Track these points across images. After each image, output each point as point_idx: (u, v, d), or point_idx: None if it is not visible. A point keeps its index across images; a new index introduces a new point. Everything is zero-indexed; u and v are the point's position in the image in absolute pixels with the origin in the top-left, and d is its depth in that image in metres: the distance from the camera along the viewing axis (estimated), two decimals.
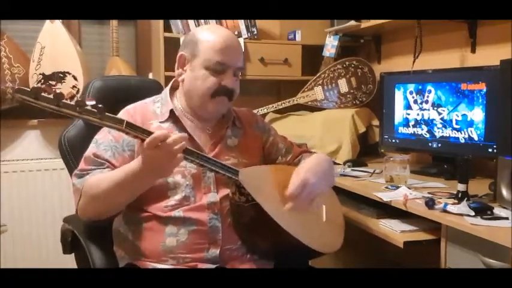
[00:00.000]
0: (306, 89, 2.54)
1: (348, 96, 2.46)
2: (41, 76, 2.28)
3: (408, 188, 1.63)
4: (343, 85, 2.46)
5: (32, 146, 2.48)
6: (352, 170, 2.05)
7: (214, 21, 2.42)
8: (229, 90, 1.33)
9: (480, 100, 1.77)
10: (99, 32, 2.65)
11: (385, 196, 1.56)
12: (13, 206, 2.39)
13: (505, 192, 1.36)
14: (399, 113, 2.13)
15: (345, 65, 2.47)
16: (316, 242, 1.27)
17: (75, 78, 2.30)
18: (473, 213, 1.29)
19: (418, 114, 2.04)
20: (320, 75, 2.52)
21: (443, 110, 1.92)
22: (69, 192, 1.31)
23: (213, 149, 1.35)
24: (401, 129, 2.12)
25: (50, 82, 2.29)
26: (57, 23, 2.32)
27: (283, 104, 2.53)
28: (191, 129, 1.34)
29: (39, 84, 2.27)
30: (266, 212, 1.21)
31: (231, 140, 1.40)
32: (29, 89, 1.02)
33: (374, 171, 1.97)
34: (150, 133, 1.10)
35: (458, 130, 1.86)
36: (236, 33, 2.47)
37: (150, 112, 1.36)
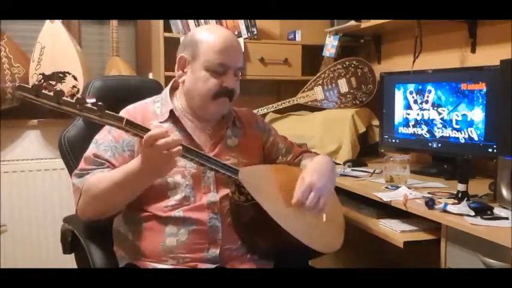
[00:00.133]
0: (306, 89, 2.54)
1: (348, 96, 2.46)
2: (41, 76, 2.28)
3: (408, 188, 1.63)
4: (343, 85, 2.46)
5: (32, 146, 2.48)
6: (352, 170, 2.05)
7: (214, 21, 2.42)
8: (230, 91, 1.33)
9: (480, 100, 1.77)
10: (99, 32, 2.65)
11: (385, 196, 1.56)
12: (13, 206, 2.39)
13: (505, 192, 1.36)
14: (399, 113, 2.13)
15: (345, 65, 2.47)
16: (316, 242, 1.27)
17: (75, 78, 2.30)
18: (473, 213, 1.29)
19: (418, 114, 2.04)
20: (320, 75, 2.52)
21: (443, 110, 1.92)
22: (69, 192, 1.31)
23: (213, 149, 1.35)
24: (401, 129, 2.12)
25: (50, 82, 2.29)
26: (57, 23, 2.32)
27: (283, 104, 2.53)
28: (191, 129, 1.34)
29: None
30: (266, 212, 1.21)
31: (231, 140, 1.40)
32: (29, 86, 1.02)
33: (374, 171, 1.97)
34: (149, 131, 1.10)
35: (458, 130, 1.86)
36: (236, 33, 2.47)
37: (150, 112, 1.36)
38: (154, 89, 1.62)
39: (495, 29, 1.84)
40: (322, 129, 2.37)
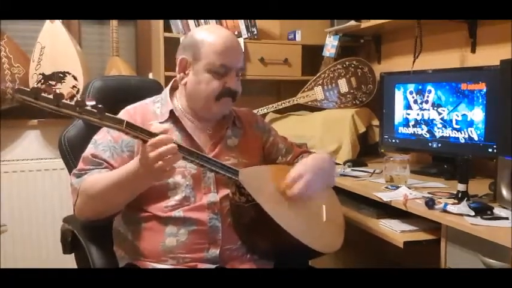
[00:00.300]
0: (306, 89, 2.54)
1: (348, 96, 2.46)
2: (41, 76, 2.28)
3: (408, 188, 1.63)
4: (343, 85, 2.46)
5: (32, 146, 2.48)
6: (352, 170, 2.05)
7: (214, 21, 2.42)
8: (233, 91, 1.33)
9: (480, 100, 1.77)
10: (99, 32, 2.65)
11: (385, 196, 1.56)
12: (13, 206, 2.39)
13: (505, 192, 1.36)
14: (399, 113, 2.13)
15: (345, 65, 2.47)
16: (316, 242, 1.27)
17: (75, 78, 2.30)
18: (473, 213, 1.29)
19: (418, 114, 2.04)
20: (320, 75, 2.52)
21: (443, 110, 1.92)
22: (69, 192, 1.31)
23: (213, 149, 1.35)
24: (401, 129, 2.12)
25: (50, 82, 2.29)
26: (57, 23, 2.32)
27: (283, 104, 2.53)
28: (191, 129, 1.34)
29: (39, 84, 2.27)
30: (266, 212, 1.21)
31: (231, 140, 1.40)
32: (28, 89, 1.02)
33: (374, 171, 1.97)
34: (150, 133, 1.10)
35: (458, 130, 1.86)
36: (236, 33, 2.47)
37: (150, 112, 1.36)
38: (154, 89, 1.62)
39: (495, 29, 1.84)
40: (322, 129, 2.37)
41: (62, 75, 2.30)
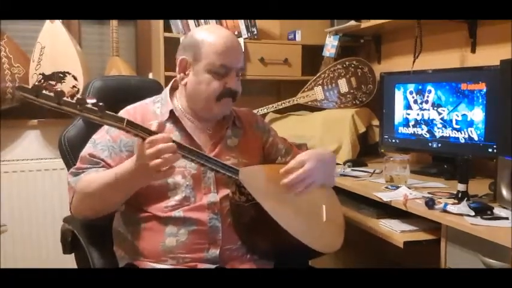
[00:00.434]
0: (306, 89, 2.53)
1: (348, 96, 2.45)
2: (41, 76, 2.28)
3: (408, 188, 1.63)
4: (343, 85, 2.46)
5: (32, 146, 2.48)
6: (352, 170, 2.05)
7: (214, 21, 2.42)
8: (233, 91, 1.33)
9: (480, 100, 1.77)
10: (99, 32, 2.65)
11: (385, 196, 1.56)
12: (13, 206, 2.39)
13: (505, 192, 1.36)
14: (399, 113, 2.13)
15: (345, 65, 2.47)
16: (316, 242, 1.27)
17: (75, 78, 2.30)
18: (473, 213, 1.29)
19: (418, 114, 2.04)
20: (320, 75, 2.52)
21: (443, 110, 1.92)
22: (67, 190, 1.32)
23: (213, 149, 1.35)
24: (401, 129, 2.12)
25: (50, 82, 2.29)
26: (57, 23, 2.32)
27: (283, 104, 2.53)
28: (191, 129, 1.34)
29: None
30: (266, 212, 1.21)
31: (231, 140, 1.40)
32: (29, 87, 1.02)
33: (374, 171, 1.97)
34: (150, 131, 1.10)
35: (458, 130, 1.86)
36: (236, 33, 2.47)
37: (150, 112, 1.36)
38: (154, 89, 1.62)
39: (495, 29, 1.84)
40: (322, 129, 2.37)
41: (62, 75, 2.30)
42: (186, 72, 1.34)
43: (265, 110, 2.52)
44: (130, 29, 2.72)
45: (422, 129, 2.02)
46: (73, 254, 1.49)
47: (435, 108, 1.95)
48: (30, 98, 1.02)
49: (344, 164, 2.14)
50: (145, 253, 1.26)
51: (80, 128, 1.52)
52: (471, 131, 1.81)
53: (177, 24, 2.43)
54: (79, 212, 1.29)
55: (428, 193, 1.56)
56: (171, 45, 2.26)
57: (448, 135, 1.91)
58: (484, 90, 1.75)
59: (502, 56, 1.48)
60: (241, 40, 2.40)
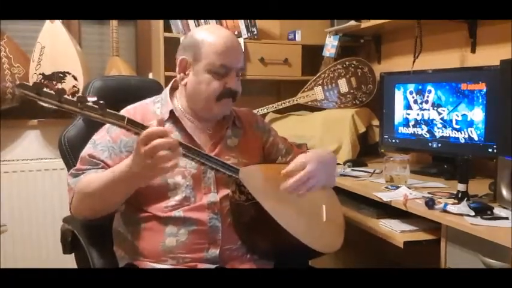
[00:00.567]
0: (306, 89, 2.54)
1: (348, 96, 2.46)
2: (41, 76, 2.28)
3: (408, 188, 1.63)
4: (343, 85, 2.46)
5: (32, 146, 2.48)
6: (352, 170, 2.05)
7: (214, 21, 2.42)
8: (233, 91, 1.33)
9: (480, 100, 1.77)
10: (99, 32, 2.65)
11: (385, 196, 1.56)
12: (13, 206, 2.39)
13: (505, 192, 1.36)
14: (399, 113, 2.13)
15: (345, 65, 2.47)
16: (316, 242, 1.27)
17: (75, 78, 2.30)
18: (473, 213, 1.29)
19: (418, 114, 2.04)
20: (320, 75, 2.52)
21: (443, 110, 1.92)
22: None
23: (213, 149, 1.35)
24: (401, 129, 2.12)
25: (50, 82, 2.29)
26: (57, 23, 2.32)
27: (283, 104, 2.53)
28: (191, 129, 1.34)
29: None
30: (266, 211, 1.21)
31: (231, 140, 1.40)
32: (30, 85, 1.01)
33: (374, 171, 1.97)
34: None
35: (458, 130, 1.86)
36: (236, 33, 2.47)
37: (150, 112, 1.36)
38: (154, 89, 1.62)
39: (495, 29, 1.84)
40: (322, 129, 2.37)
41: (62, 75, 2.30)
42: (186, 72, 1.34)
43: (265, 110, 2.52)
44: (130, 29, 2.72)
45: (422, 129, 2.02)
46: (73, 254, 1.49)
47: (435, 108, 1.95)
48: (31, 95, 1.01)
49: (344, 164, 2.14)
50: (145, 253, 1.26)
51: (80, 128, 1.52)
52: (471, 131, 1.81)
53: (177, 24, 2.43)
54: (79, 212, 1.28)
55: (428, 193, 1.56)
56: (171, 45, 2.26)
57: (448, 135, 1.91)
58: (484, 90, 1.75)
59: (502, 56, 1.48)
60: (241, 40, 2.40)
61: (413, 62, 2.00)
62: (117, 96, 1.56)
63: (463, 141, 1.85)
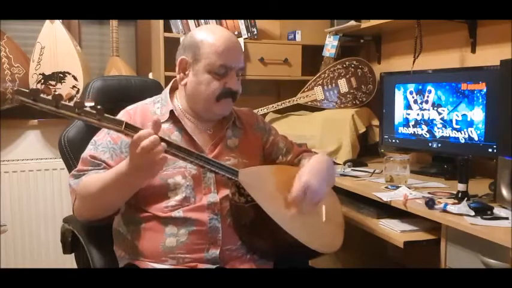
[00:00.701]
0: (306, 89, 2.54)
1: (348, 96, 2.46)
2: (41, 76, 2.28)
3: (408, 188, 1.63)
4: (343, 85, 2.46)
5: (32, 146, 2.48)
6: (352, 170, 2.05)
7: (214, 21, 2.42)
8: (233, 91, 1.33)
9: (480, 100, 1.77)
10: (99, 32, 2.65)
11: (385, 196, 1.56)
12: (13, 206, 2.40)
13: (505, 192, 1.36)
14: (399, 113, 2.13)
15: (345, 65, 2.47)
16: (316, 242, 1.27)
17: (75, 78, 2.30)
18: (473, 213, 1.29)
19: (418, 114, 2.04)
20: (320, 75, 2.52)
21: (443, 110, 1.92)
22: (70, 192, 1.32)
23: (213, 150, 1.35)
24: (401, 129, 2.12)
25: (50, 82, 2.29)
26: (57, 23, 2.32)
27: (283, 104, 2.53)
28: (191, 129, 1.34)
29: (39, 85, 2.28)
30: (266, 213, 1.21)
31: (231, 141, 1.40)
32: (27, 90, 1.02)
33: (374, 171, 1.97)
34: None
35: (458, 130, 1.86)
36: (236, 33, 2.47)
37: (150, 113, 1.36)
38: (154, 89, 1.62)
39: (495, 29, 1.84)
40: (322, 129, 2.37)
41: (62, 75, 2.30)
42: (186, 73, 1.34)
43: (265, 110, 2.53)
44: (130, 29, 2.72)
45: (422, 129, 2.02)
46: (73, 254, 1.49)
47: (435, 108, 1.95)
48: (28, 102, 1.02)
49: (344, 164, 2.14)
50: (145, 253, 1.26)
51: (80, 128, 1.52)
52: (471, 131, 1.81)
53: (177, 24, 2.43)
54: (81, 213, 1.28)
55: (428, 193, 1.56)
56: (171, 45, 2.26)
57: (448, 135, 1.91)
58: (484, 90, 1.75)
59: (502, 56, 1.48)
60: (241, 40, 2.40)
61: (413, 62, 2.00)
62: (117, 96, 1.56)
63: (463, 141, 1.85)
